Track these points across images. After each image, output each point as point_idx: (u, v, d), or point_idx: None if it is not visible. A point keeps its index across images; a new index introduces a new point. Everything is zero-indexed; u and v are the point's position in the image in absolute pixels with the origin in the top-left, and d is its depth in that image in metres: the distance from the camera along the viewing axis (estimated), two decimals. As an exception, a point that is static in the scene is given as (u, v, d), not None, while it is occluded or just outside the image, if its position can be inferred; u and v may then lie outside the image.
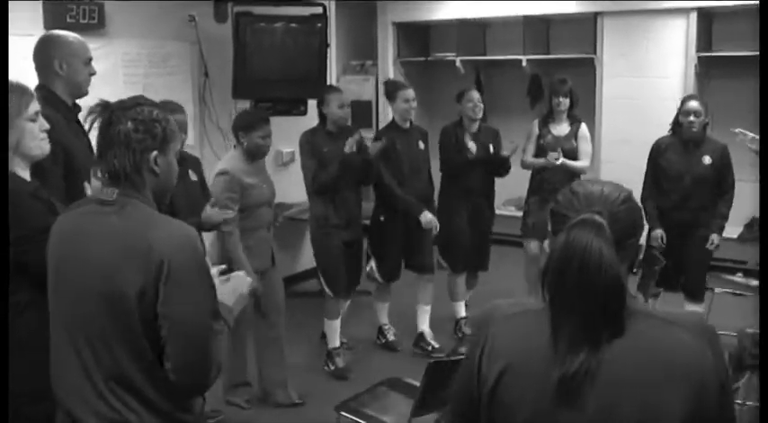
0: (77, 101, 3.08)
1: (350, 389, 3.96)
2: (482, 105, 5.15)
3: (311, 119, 5.15)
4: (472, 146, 5.12)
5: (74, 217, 1.99)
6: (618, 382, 1.37)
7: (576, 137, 5.26)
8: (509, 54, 7.44)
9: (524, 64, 7.34)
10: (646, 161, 4.85)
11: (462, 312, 5.46)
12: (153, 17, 5.20)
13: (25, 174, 2.35)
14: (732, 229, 5.71)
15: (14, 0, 3.09)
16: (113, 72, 4.88)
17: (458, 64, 7.60)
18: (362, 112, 7.17)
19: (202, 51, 5.58)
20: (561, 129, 5.28)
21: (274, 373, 4.40)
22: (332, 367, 4.87)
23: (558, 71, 6.40)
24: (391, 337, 5.28)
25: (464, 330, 5.41)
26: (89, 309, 1.85)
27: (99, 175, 1.94)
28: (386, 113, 7.42)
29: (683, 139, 4.65)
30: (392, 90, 5.02)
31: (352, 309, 5.27)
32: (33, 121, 2.36)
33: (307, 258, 5.68)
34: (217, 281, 2.01)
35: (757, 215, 6.02)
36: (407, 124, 5.00)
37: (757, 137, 4.36)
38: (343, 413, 3.45)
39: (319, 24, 5.89)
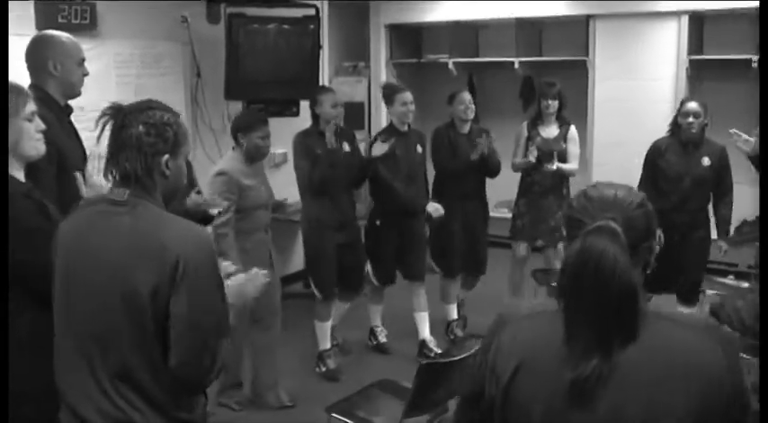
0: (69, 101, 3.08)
1: (341, 391, 3.95)
2: (473, 107, 5.14)
3: (304, 120, 5.14)
4: (481, 145, 4.98)
5: (85, 215, 1.99)
6: (630, 385, 1.40)
7: (566, 139, 5.27)
8: (502, 56, 7.42)
9: (517, 66, 7.34)
10: (638, 164, 4.84)
11: (454, 314, 5.46)
12: (145, 18, 5.17)
13: (20, 174, 2.34)
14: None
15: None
16: (105, 73, 4.85)
17: (450, 66, 7.59)
18: (355, 113, 7.15)
19: (195, 52, 5.56)
20: (550, 131, 5.29)
21: (266, 375, 4.40)
22: (323, 369, 4.87)
23: (551, 74, 6.40)
24: (382, 339, 5.28)
25: (456, 332, 5.41)
26: (99, 306, 1.86)
27: (109, 176, 1.96)
28: (378, 115, 7.44)
29: (681, 140, 4.65)
30: (390, 93, 4.98)
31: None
32: (30, 121, 2.35)
33: (299, 259, 5.67)
34: (227, 281, 2.03)
35: (747, 218, 6.04)
36: (405, 127, 4.97)
37: (750, 138, 4.36)
38: (334, 415, 3.44)
39: (312, 26, 5.90)
